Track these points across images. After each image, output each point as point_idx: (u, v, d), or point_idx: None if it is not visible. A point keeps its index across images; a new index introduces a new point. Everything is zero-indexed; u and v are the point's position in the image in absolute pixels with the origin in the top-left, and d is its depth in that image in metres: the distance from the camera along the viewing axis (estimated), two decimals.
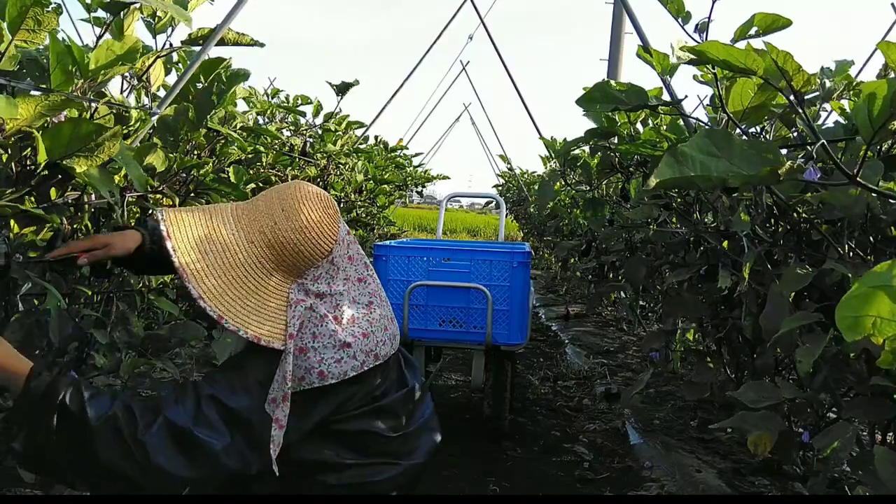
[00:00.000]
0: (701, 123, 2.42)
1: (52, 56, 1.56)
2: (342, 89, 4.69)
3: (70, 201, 1.91)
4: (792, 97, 1.50)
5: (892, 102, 1.16)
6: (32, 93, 1.51)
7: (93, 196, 1.82)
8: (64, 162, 1.52)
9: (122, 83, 2.09)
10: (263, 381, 1.31)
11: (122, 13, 1.84)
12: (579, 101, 2.11)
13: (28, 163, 1.68)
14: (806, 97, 1.57)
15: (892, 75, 1.92)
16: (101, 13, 1.97)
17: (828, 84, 1.65)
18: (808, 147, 1.64)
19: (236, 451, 1.27)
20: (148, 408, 1.24)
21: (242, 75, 2.24)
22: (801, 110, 1.44)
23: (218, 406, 1.27)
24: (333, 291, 1.40)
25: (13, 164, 1.66)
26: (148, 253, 1.54)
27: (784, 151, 2.05)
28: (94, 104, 1.79)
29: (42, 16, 1.43)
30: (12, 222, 1.69)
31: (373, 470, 1.44)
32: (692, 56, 1.49)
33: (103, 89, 1.89)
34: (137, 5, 1.84)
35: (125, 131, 2.06)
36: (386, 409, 1.46)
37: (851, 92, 1.87)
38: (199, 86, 2.29)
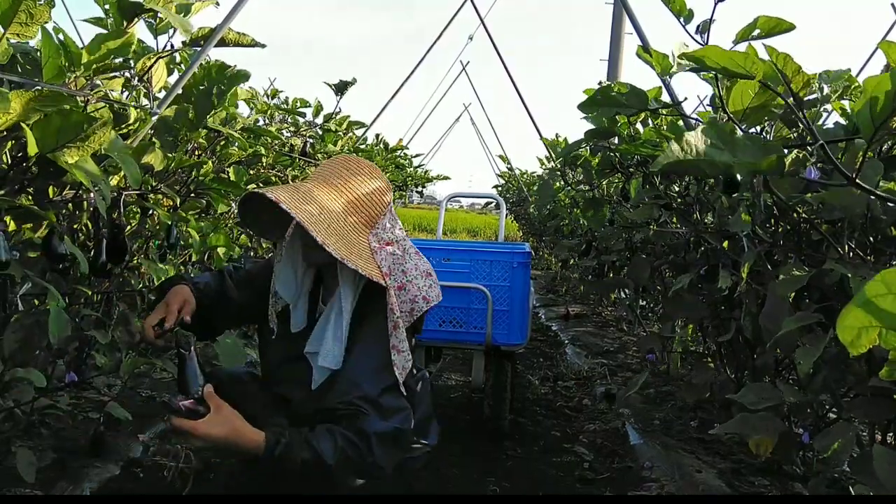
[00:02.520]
0: (700, 124, 2.42)
1: (44, 49, 1.56)
2: (340, 88, 4.69)
3: (68, 199, 1.90)
4: (791, 100, 1.50)
5: (894, 98, 1.15)
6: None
7: (91, 194, 1.82)
8: (54, 154, 1.52)
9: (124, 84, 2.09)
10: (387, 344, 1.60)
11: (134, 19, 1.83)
12: (581, 106, 2.11)
13: (21, 157, 1.67)
14: (806, 99, 1.57)
15: None
16: (100, 13, 1.97)
17: (826, 89, 1.64)
18: (809, 147, 1.64)
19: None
20: (358, 432, 1.47)
21: (243, 76, 2.24)
22: (800, 113, 1.44)
23: (387, 393, 1.53)
24: (398, 237, 1.68)
25: (7, 159, 1.66)
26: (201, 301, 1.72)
27: (784, 152, 2.05)
28: (87, 98, 1.78)
29: (34, 9, 1.43)
30: (8, 218, 1.69)
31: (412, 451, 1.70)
32: (692, 63, 1.49)
33: (100, 87, 1.89)
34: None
35: (124, 131, 2.06)
36: (415, 387, 1.73)
37: (851, 93, 1.87)
38: (202, 88, 2.29)
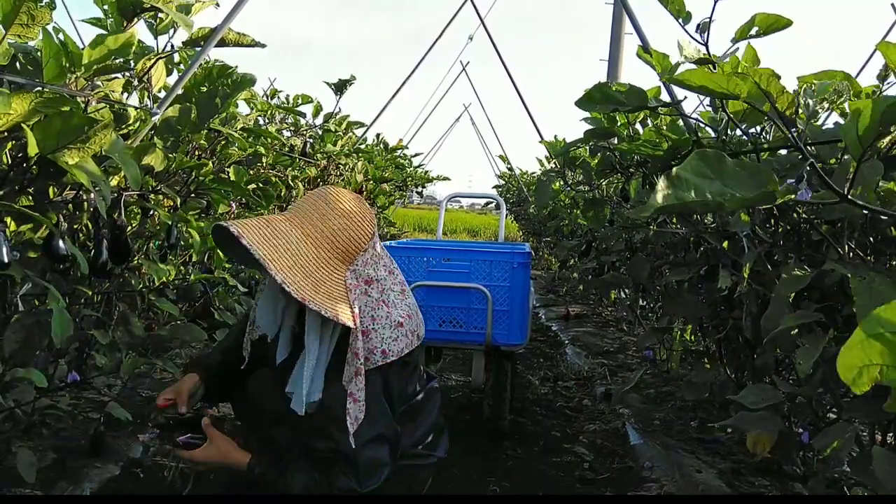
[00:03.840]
0: (700, 124, 2.42)
1: (45, 50, 1.56)
2: (339, 87, 4.68)
3: (69, 199, 1.90)
4: (777, 118, 1.49)
5: (879, 121, 1.15)
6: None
7: (91, 195, 1.82)
8: (55, 155, 1.52)
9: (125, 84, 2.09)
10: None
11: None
12: (579, 103, 2.11)
13: (21, 158, 1.67)
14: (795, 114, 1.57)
15: (891, 76, 1.92)
16: (100, 13, 1.97)
17: (811, 104, 1.64)
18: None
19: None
20: (329, 483, 1.50)
21: (248, 80, 2.24)
22: (787, 132, 1.44)
23: (367, 448, 1.51)
24: (379, 277, 1.59)
25: (7, 159, 1.66)
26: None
27: (783, 152, 2.05)
28: (88, 99, 1.78)
29: (35, 10, 1.43)
30: (9, 220, 1.69)
31: (415, 459, 1.67)
32: (671, 80, 1.50)
33: (100, 87, 1.89)
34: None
35: (124, 131, 2.06)
36: (423, 401, 1.70)
37: (841, 104, 1.86)
38: (203, 89, 2.29)
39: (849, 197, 1.23)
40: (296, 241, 1.49)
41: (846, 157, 1.58)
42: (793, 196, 1.18)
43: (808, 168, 1.31)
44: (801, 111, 1.54)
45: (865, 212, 1.68)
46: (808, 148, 1.57)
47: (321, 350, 1.54)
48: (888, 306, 0.76)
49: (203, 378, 1.80)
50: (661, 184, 1.14)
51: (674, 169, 1.17)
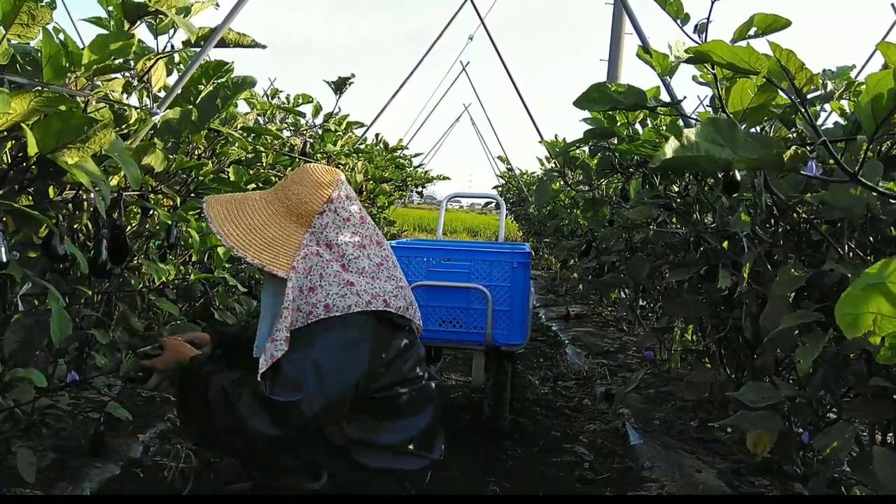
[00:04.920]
0: (700, 123, 2.42)
1: (45, 50, 1.56)
2: (339, 86, 4.68)
3: (68, 199, 1.90)
4: (794, 96, 1.49)
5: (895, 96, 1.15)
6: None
7: (91, 194, 1.82)
8: (54, 155, 1.52)
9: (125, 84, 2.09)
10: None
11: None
12: (577, 102, 2.11)
13: (21, 157, 1.67)
14: (808, 97, 1.57)
15: None
16: (101, 13, 1.97)
17: (830, 86, 1.64)
18: (809, 145, 1.64)
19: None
20: (243, 383, 1.48)
21: (249, 82, 2.25)
22: (803, 109, 1.44)
23: (288, 364, 1.49)
24: (340, 242, 1.62)
25: (7, 159, 1.66)
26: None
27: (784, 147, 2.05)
28: (88, 99, 1.78)
29: (36, 10, 1.43)
30: (9, 219, 1.69)
31: (408, 459, 1.62)
32: (693, 55, 1.49)
33: (100, 87, 1.89)
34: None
35: (124, 131, 2.07)
36: (419, 394, 1.65)
37: (851, 93, 1.86)
38: (201, 88, 2.29)
39: (858, 177, 1.23)
40: (253, 204, 1.63)
41: (860, 136, 1.57)
42: (801, 167, 1.17)
43: (819, 147, 1.30)
44: (817, 93, 1.54)
45: (866, 211, 1.68)
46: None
47: (274, 303, 1.61)
48: (882, 261, 0.81)
49: (215, 341, 1.82)
50: (672, 142, 1.14)
51: (685, 130, 1.17)
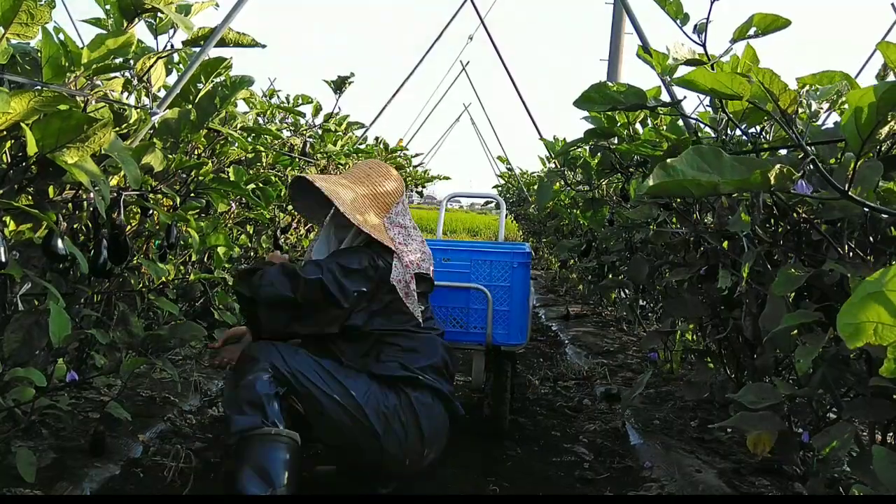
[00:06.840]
0: (700, 124, 2.42)
1: (44, 49, 1.56)
2: (339, 85, 4.67)
3: (68, 199, 1.90)
4: (780, 117, 1.49)
5: (878, 109, 1.14)
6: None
7: (91, 194, 1.82)
8: (54, 154, 1.52)
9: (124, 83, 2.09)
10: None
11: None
12: (577, 102, 2.11)
13: (20, 157, 1.67)
14: (796, 114, 1.56)
15: (891, 76, 1.92)
16: (101, 13, 1.97)
17: (814, 105, 1.64)
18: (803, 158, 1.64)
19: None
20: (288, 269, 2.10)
21: (247, 82, 2.25)
22: (791, 131, 1.44)
23: (336, 266, 2.11)
24: (405, 224, 2.28)
25: (6, 158, 1.66)
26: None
27: (784, 152, 2.04)
28: (87, 98, 1.78)
29: (35, 9, 1.43)
30: (8, 219, 1.69)
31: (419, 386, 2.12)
32: (686, 84, 1.49)
33: (99, 86, 1.89)
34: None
35: (124, 131, 2.07)
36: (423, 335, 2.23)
37: (836, 109, 1.86)
38: (200, 86, 2.29)
39: (849, 193, 1.23)
40: (355, 192, 2.19)
41: (848, 154, 1.57)
42: (790, 185, 1.17)
43: (809, 165, 1.31)
44: (801, 111, 1.53)
45: (865, 210, 1.68)
46: (810, 148, 1.57)
47: (330, 240, 2.29)
48: (884, 269, 0.81)
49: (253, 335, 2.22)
50: (656, 171, 1.15)
51: (668, 160, 1.17)
